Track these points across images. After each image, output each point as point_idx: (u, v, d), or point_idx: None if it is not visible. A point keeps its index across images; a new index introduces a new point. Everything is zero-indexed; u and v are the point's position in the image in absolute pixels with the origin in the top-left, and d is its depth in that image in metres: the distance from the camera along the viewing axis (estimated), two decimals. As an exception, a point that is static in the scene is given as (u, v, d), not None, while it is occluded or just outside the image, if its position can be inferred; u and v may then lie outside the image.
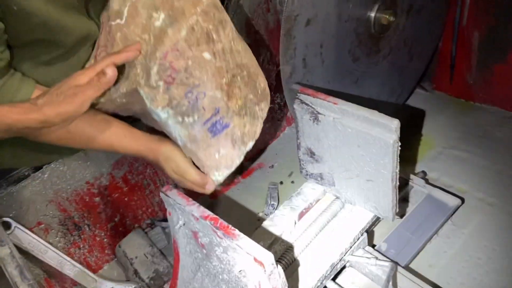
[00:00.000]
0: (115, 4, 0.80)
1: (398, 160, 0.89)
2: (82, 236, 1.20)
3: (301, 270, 0.95)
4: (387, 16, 1.15)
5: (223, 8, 0.84)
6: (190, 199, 0.79)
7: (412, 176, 1.27)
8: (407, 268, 1.07)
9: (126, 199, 1.27)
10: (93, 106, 0.79)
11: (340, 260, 0.99)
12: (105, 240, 1.26)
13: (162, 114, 0.80)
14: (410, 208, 1.24)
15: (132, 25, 0.79)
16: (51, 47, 0.79)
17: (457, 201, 1.20)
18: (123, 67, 0.79)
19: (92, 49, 0.87)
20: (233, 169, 0.88)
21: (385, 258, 1.03)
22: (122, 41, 0.79)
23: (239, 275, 0.73)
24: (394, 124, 0.83)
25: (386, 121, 0.85)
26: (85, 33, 0.81)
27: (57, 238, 1.15)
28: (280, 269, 0.70)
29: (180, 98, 0.80)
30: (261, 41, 1.33)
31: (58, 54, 0.81)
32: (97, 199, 1.20)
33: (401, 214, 1.21)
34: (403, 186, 1.27)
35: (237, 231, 0.71)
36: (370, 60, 1.24)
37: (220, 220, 0.73)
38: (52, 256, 1.08)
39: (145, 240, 1.26)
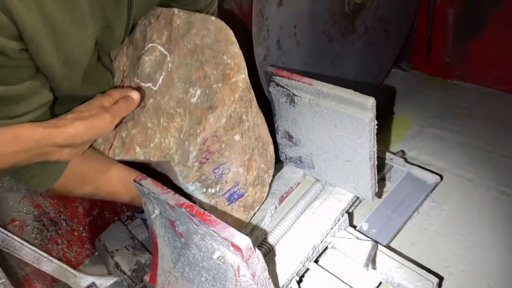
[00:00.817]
0: (146, 66, 0.83)
1: (376, 139, 0.89)
2: (59, 231, 1.17)
3: (283, 254, 0.94)
4: (361, -5, 1.14)
5: (250, 86, 0.87)
6: (165, 187, 0.77)
7: (391, 155, 1.27)
8: (388, 247, 1.07)
9: (103, 191, 1.24)
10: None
11: (322, 242, 0.98)
12: (84, 234, 1.23)
13: (191, 187, 0.85)
14: (390, 187, 1.25)
15: (166, 96, 0.82)
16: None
17: (436, 178, 1.20)
18: (151, 132, 0.81)
19: None
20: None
21: (366, 238, 1.03)
22: (154, 109, 0.82)
23: (218, 261, 0.72)
24: (370, 102, 0.82)
25: (361, 100, 0.84)
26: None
27: (33, 235, 1.12)
28: (258, 253, 0.69)
29: (208, 174, 0.85)
30: (235, 25, 1.30)
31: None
32: (73, 193, 1.17)
33: (381, 193, 1.21)
34: (382, 166, 1.27)
35: (213, 217, 0.69)
36: (346, 40, 1.23)
37: (196, 207, 0.71)
38: (28, 253, 1.05)
39: (125, 233, 1.23)
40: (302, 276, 1.00)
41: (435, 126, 1.51)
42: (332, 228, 1.00)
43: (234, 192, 0.91)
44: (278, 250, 0.95)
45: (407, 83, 1.72)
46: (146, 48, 0.84)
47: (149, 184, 0.78)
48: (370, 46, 1.34)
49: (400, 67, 1.74)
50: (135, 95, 0.78)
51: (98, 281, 1.12)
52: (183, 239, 0.81)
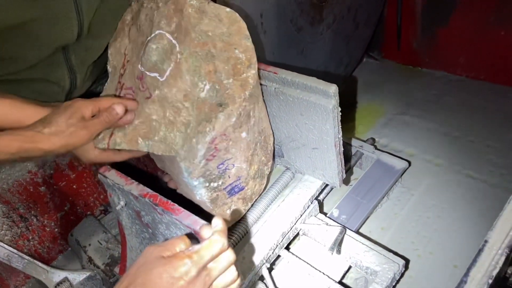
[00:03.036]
0: (153, 55, 0.79)
1: (340, 126, 0.90)
2: (30, 227, 1.16)
3: (254, 241, 0.95)
4: (327, -16, 1.15)
5: (259, 80, 0.86)
6: (129, 178, 0.77)
7: (361, 143, 1.29)
8: (358, 232, 1.09)
9: (74, 186, 1.23)
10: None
11: (291, 228, 0.99)
12: (56, 230, 1.22)
13: (194, 182, 0.83)
14: (360, 174, 1.27)
15: (174, 88, 0.79)
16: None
17: (404, 164, 1.23)
18: (156, 125, 0.79)
19: (67, 94, 0.93)
20: (236, 220, 0.97)
21: (336, 224, 1.05)
22: (160, 100, 0.79)
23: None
24: (332, 89, 0.83)
25: (324, 87, 0.84)
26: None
27: (3, 231, 1.11)
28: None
29: (213, 169, 0.84)
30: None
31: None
32: (43, 188, 1.15)
33: (348, 180, 1.23)
34: (353, 154, 1.29)
35: (176, 206, 0.70)
36: (314, 29, 1.24)
37: (160, 197, 0.71)
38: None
39: (98, 227, 1.22)
40: (273, 263, 1.01)
41: (406, 113, 1.54)
42: (301, 215, 1.01)
43: (236, 186, 0.90)
44: (248, 238, 0.96)
45: (379, 72, 1.74)
46: (153, 35, 0.80)
47: (113, 175, 0.78)
48: (339, 36, 1.35)
49: (371, 56, 1.76)
50: (120, 109, 0.77)
51: (71, 276, 1.12)
52: (150, 230, 0.81)
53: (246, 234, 0.97)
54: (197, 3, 0.80)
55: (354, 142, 1.30)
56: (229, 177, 0.87)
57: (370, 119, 1.55)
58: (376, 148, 1.31)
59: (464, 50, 1.55)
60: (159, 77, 0.79)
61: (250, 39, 0.82)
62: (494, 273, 0.63)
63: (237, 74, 0.80)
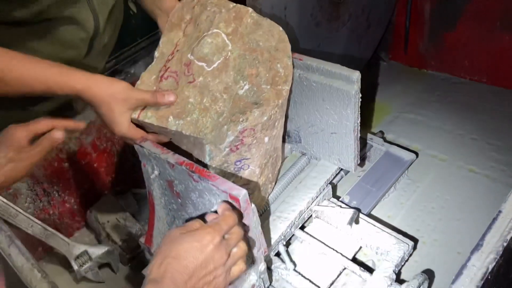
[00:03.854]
0: (206, 47, 0.88)
1: (359, 112, 0.96)
2: (51, 202, 1.20)
3: (272, 219, 1.00)
4: (346, -18, 1.22)
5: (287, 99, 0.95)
6: (165, 148, 0.82)
7: (371, 136, 1.35)
8: (368, 215, 1.14)
9: (95, 165, 1.27)
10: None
11: (307, 209, 1.05)
12: (75, 207, 1.27)
13: (211, 170, 0.87)
14: (370, 165, 1.33)
15: (217, 79, 0.87)
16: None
17: (412, 156, 1.29)
18: (191, 108, 0.84)
19: (91, 40, 0.97)
20: None
21: (348, 207, 1.10)
22: (201, 87, 0.86)
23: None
24: (355, 75, 0.90)
25: (348, 73, 0.91)
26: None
27: (26, 204, 1.15)
28: (254, 207, 0.74)
29: (231, 163, 0.89)
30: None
31: (32, 13, 0.80)
32: (66, 164, 1.20)
33: (362, 165, 1.29)
34: (363, 146, 1.35)
35: (212, 173, 0.74)
36: (331, 26, 1.30)
37: (196, 165, 0.76)
38: (23, 219, 1.07)
39: (116, 205, 1.27)
40: (289, 242, 1.06)
41: (412, 112, 1.61)
42: (317, 197, 1.07)
43: None
44: (267, 215, 1.01)
45: (386, 73, 1.81)
46: (210, 32, 0.89)
47: (149, 145, 0.83)
48: (352, 34, 1.42)
49: (380, 58, 1.83)
50: (60, 135, 0.77)
51: (90, 249, 1.15)
52: (179, 200, 0.86)
53: (265, 212, 1.02)
54: (256, 16, 0.93)
55: (365, 135, 1.36)
56: (241, 178, 0.92)
57: (377, 116, 1.61)
58: (385, 140, 1.37)
59: (469, 54, 1.62)
60: (206, 67, 0.87)
61: (292, 60, 0.94)
62: (509, 237, 0.69)
63: (274, 84, 0.90)
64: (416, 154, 1.33)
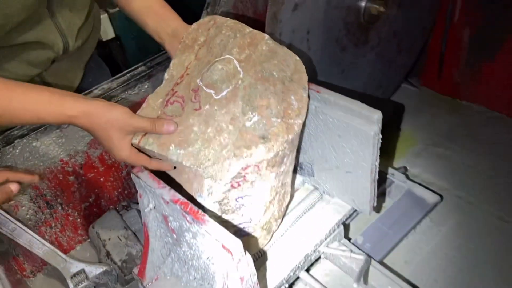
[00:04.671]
0: (215, 74, 0.84)
1: (379, 153, 0.88)
2: (54, 215, 1.17)
3: (274, 260, 0.93)
4: (378, 7, 1.13)
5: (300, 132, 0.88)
6: (162, 182, 0.76)
7: (393, 170, 1.26)
8: (381, 263, 1.06)
9: (101, 179, 1.23)
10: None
11: (315, 251, 0.97)
12: (78, 220, 1.23)
13: (209, 205, 0.81)
14: (389, 203, 1.24)
15: (224, 109, 0.82)
16: None
17: (436, 198, 1.19)
18: (194, 137, 0.80)
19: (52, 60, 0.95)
20: None
21: (359, 252, 1.02)
22: (206, 115, 0.81)
23: (208, 262, 0.71)
24: (376, 115, 0.82)
25: (368, 112, 0.83)
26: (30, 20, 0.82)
27: (28, 216, 1.12)
28: (249, 257, 0.68)
29: (231, 199, 0.83)
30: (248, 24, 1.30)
31: None
32: (72, 177, 1.16)
33: (379, 208, 1.20)
34: (383, 180, 1.26)
35: (206, 217, 0.68)
36: (358, 50, 1.22)
37: (190, 205, 0.70)
38: (21, 233, 1.04)
39: (119, 222, 1.23)
40: (292, 284, 0.99)
41: (440, 145, 1.50)
42: (326, 238, 0.99)
43: (243, 228, 0.88)
44: (270, 255, 0.94)
45: (416, 100, 1.71)
46: (222, 57, 0.85)
47: (146, 177, 0.78)
48: (381, 59, 1.33)
49: (410, 83, 1.73)
50: (15, 187, 0.78)
51: (87, 268, 1.12)
52: (175, 235, 0.80)
53: (268, 250, 0.96)
54: (272, 43, 0.87)
55: (386, 169, 1.27)
56: (242, 216, 0.86)
57: (402, 147, 1.52)
58: (407, 177, 1.28)
59: (507, 87, 1.51)
60: (214, 94, 0.83)
61: (308, 92, 0.86)
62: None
63: (286, 117, 0.82)
64: (441, 196, 1.23)
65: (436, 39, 1.60)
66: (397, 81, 1.53)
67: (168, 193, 0.74)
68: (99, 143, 0.80)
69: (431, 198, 1.19)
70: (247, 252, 0.67)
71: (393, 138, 1.54)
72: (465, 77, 1.61)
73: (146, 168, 0.82)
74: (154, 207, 0.80)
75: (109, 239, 1.20)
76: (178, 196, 0.73)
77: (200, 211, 0.70)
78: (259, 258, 0.94)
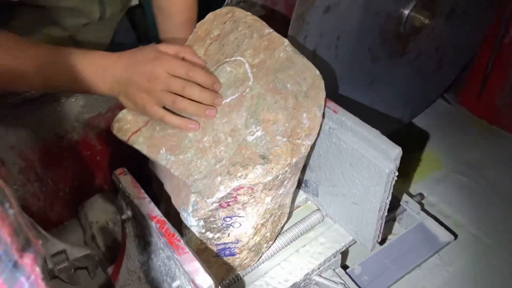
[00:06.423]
0: (221, 76, 0.75)
1: (391, 191, 0.78)
2: (43, 188, 1.12)
3: (260, 284, 0.86)
4: (422, 18, 1.00)
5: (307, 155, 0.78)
6: (142, 191, 0.69)
7: (407, 198, 1.15)
8: (376, 301, 0.97)
9: (98, 158, 1.17)
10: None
11: (305, 280, 0.89)
12: (69, 197, 1.18)
13: (192, 222, 0.72)
14: (397, 230, 1.14)
15: (225, 118, 0.73)
16: None
17: (450, 238, 1.09)
18: (188, 144, 0.72)
19: None
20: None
21: (354, 285, 0.94)
22: (205, 122, 0.73)
23: (176, 291, 0.64)
24: (395, 152, 0.71)
25: (386, 146, 0.72)
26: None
27: (16, 187, 1.07)
28: (221, 297, 0.60)
29: (218, 219, 0.74)
30: (278, 17, 1.19)
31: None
32: (66, 153, 1.10)
33: (385, 239, 1.10)
34: (395, 206, 1.16)
35: (181, 243, 0.61)
36: (392, 62, 1.10)
37: (167, 225, 0.63)
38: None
39: (110, 206, 1.17)
40: (275, 309, 0.92)
41: (466, 174, 1.38)
42: (320, 268, 0.91)
43: (229, 248, 0.80)
44: (257, 276, 0.87)
45: (449, 118, 1.57)
46: (233, 59, 0.76)
47: (127, 182, 0.71)
48: (417, 74, 1.20)
49: (445, 99, 1.59)
50: None
51: (69, 250, 1.07)
52: (152, 247, 0.73)
53: (254, 272, 0.88)
54: (291, 51, 0.78)
55: (401, 194, 1.17)
56: (228, 236, 0.77)
57: (424, 169, 1.40)
58: (422, 207, 1.17)
59: (554, 123, 1.36)
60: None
61: (322, 110, 0.76)
62: None
63: (293, 137, 0.73)
64: (455, 235, 1.12)
65: (483, 57, 1.45)
66: (431, 98, 1.40)
67: (147, 206, 0.67)
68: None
69: (444, 236, 1.08)
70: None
71: (415, 157, 1.42)
72: (508, 103, 1.46)
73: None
74: (132, 215, 0.72)
75: (97, 222, 1.14)
76: (156, 211, 0.65)
77: (176, 234, 0.62)
78: (246, 275, 0.87)
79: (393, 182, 0.76)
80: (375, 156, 0.74)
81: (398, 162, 0.73)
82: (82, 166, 1.16)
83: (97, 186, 1.21)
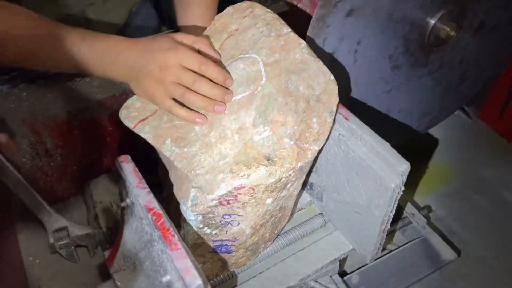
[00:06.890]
0: (234, 72, 0.74)
1: (396, 206, 0.76)
2: (51, 164, 1.13)
3: (254, 283, 0.85)
4: (448, 29, 0.97)
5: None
6: (143, 180, 0.69)
7: (414, 210, 1.13)
8: (370, 313, 0.96)
9: (108, 139, 1.18)
10: None
11: (300, 284, 0.88)
12: (77, 174, 1.19)
13: (191, 216, 0.72)
14: (399, 241, 1.12)
15: (234, 115, 0.72)
16: None
17: (453, 256, 1.07)
18: (193, 137, 0.72)
19: None
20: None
21: (349, 295, 0.93)
22: (213, 117, 0.73)
23: (166, 285, 0.64)
24: (402, 168, 0.69)
25: (394, 160, 0.71)
26: None
27: (24, 160, 1.08)
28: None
29: (217, 215, 0.74)
30: (301, 14, 1.16)
31: None
32: (76, 132, 1.11)
33: (384, 247, 1.09)
34: (400, 217, 1.14)
35: (175, 239, 0.61)
36: (413, 72, 1.07)
37: (163, 219, 0.63)
38: (10, 176, 1.01)
39: (115, 187, 1.17)
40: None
41: (478, 191, 1.34)
42: (316, 273, 0.90)
43: (226, 245, 0.79)
44: (245, 278, 0.86)
45: (467, 132, 1.53)
46: (247, 56, 0.75)
47: (129, 170, 0.71)
48: (438, 86, 1.17)
49: (466, 112, 1.54)
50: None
51: (71, 227, 1.08)
52: (149, 237, 0.73)
53: (249, 271, 0.88)
54: (307, 53, 0.76)
55: (406, 204, 1.14)
56: (226, 233, 0.76)
57: (434, 181, 1.37)
58: (428, 221, 1.15)
59: None
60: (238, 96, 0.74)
61: (334, 117, 0.75)
62: None
63: (300, 141, 0.71)
64: (459, 253, 1.10)
65: (509, 72, 1.40)
66: (450, 111, 1.36)
67: (146, 196, 0.66)
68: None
69: (447, 254, 1.06)
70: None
71: (427, 167, 1.39)
72: (530, 123, 1.42)
73: None
74: (132, 203, 0.72)
75: (101, 202, 1.15)
76: (154, 203, 0.65)
77: (171, 229, 0.62)
78: (238, 274, 0.86)
79: (398, 197, 0.74)
80: (382, 169, 0.72)
81: (405, 178, 0.71)
82: (92, 145, 1.16)
83: (105, 167, 1.22)
